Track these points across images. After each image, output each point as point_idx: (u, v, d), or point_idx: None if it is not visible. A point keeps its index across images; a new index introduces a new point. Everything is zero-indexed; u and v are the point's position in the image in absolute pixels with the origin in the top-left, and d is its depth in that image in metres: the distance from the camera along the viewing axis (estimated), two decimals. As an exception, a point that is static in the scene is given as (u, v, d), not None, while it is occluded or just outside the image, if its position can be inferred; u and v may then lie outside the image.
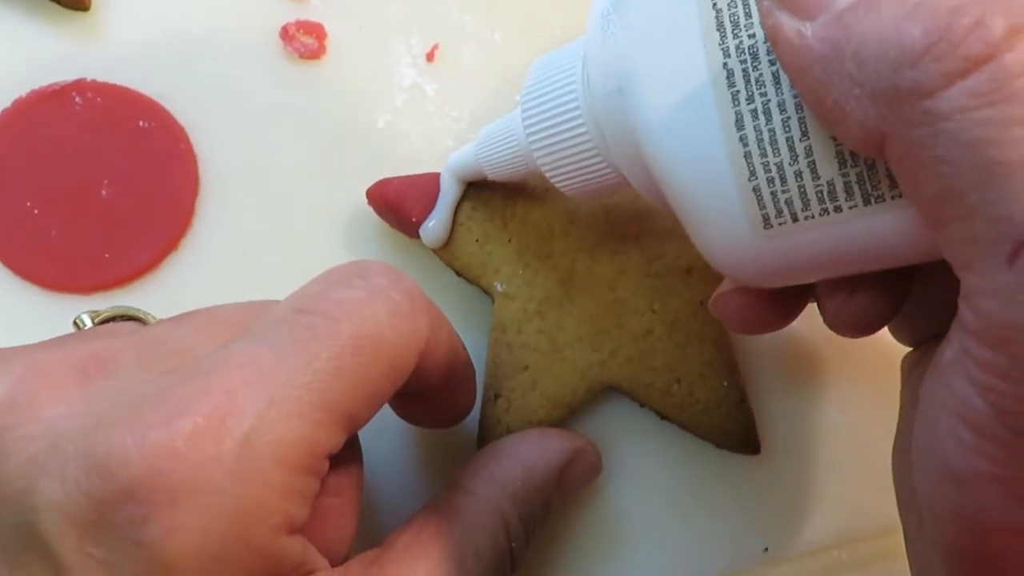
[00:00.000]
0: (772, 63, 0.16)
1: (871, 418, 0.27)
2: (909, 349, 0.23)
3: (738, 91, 0.16)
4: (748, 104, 0.16)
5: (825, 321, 0.20)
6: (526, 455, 0.23)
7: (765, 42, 0.16)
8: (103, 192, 0.26)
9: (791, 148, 0.16)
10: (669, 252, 0.25)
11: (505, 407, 0.25)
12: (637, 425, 0.26)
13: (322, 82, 0.28)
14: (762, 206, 0.17)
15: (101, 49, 0.27)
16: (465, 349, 0.23)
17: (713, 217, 0.17)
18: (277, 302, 0.22)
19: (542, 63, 0.21)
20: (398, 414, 0.23)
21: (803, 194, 0.16)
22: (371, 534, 0.22)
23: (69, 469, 0.16)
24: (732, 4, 0.16)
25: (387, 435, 0.25)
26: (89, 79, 0.27)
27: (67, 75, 0.27)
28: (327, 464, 0.18)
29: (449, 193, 0.25)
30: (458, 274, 0.26)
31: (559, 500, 0.24)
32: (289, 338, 0.18)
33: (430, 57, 0.28)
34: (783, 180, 0.16)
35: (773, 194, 0.16)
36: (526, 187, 0.26)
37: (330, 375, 0.18)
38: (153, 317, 0.22)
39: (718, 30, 0.16)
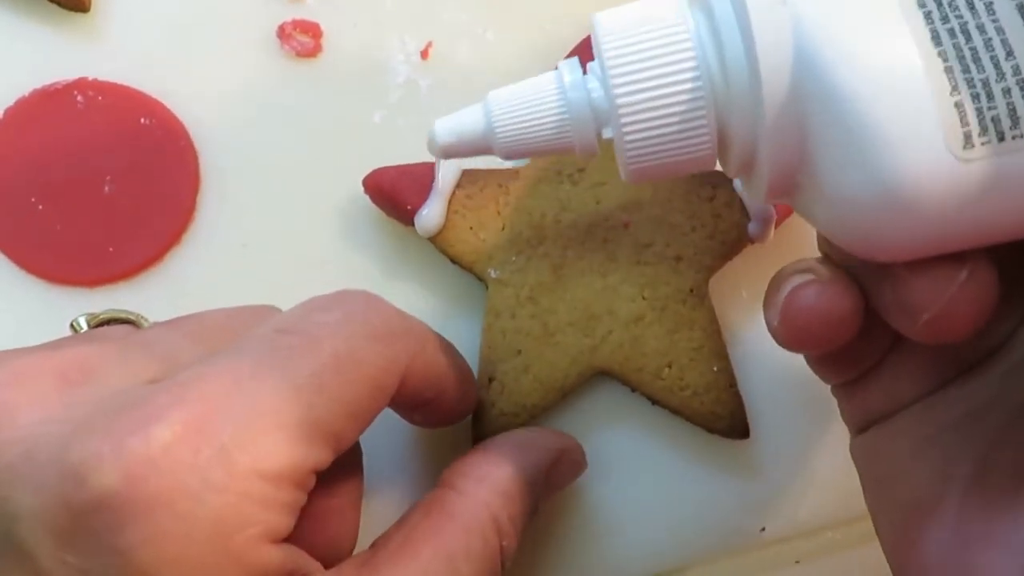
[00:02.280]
0: None
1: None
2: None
3: (930, 12, 0.16)
4: (944, 23, 0.16)
5: (923, 321, 0.17)
6: (515, 455, 0.23)
7: None
8: (106, 188, 0.27)
9: (996, 66, 0.15)
10: (659, 240, 0.26)
11: (499, 390, 0.25)
12: (628, 410, 0.27)
13: (319, 79, 0.28)
14: (964, 123, 0.15)
15: (101, 49, 0.28)
16: (460, 358, 0.23)
17: (901, 138, 0.16)
18: (267, 308, 0.22)
19: (624, 13, 0.18)
20: (399, 414, 0.24)
21: (1012, 112, 0.15)
22: (372, 533, 0.22)
23: (45, 476, 0.16)
24: None
25: (386, 432, 0.26)
26: (90, 78, 0.27)
27: (68, 74, 0.27)
28: (313, 478, 0.18)
29: (444, 181, 0.26)
30: (452, 261, 0.26)
31: (546, 497, 0.24)
32: (270, 355, 0.18)
33: (424, 54, 0.29)
34: (989, 96, 0.15)
35: (979, 110, 0.15)
36: (519, 175, 0.26)
37: (311, 391, 0.18)
38: (147, 320, 0.22)
39: None
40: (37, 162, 0.27)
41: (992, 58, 0.15)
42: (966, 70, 0.15)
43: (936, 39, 0.16)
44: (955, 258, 0.17)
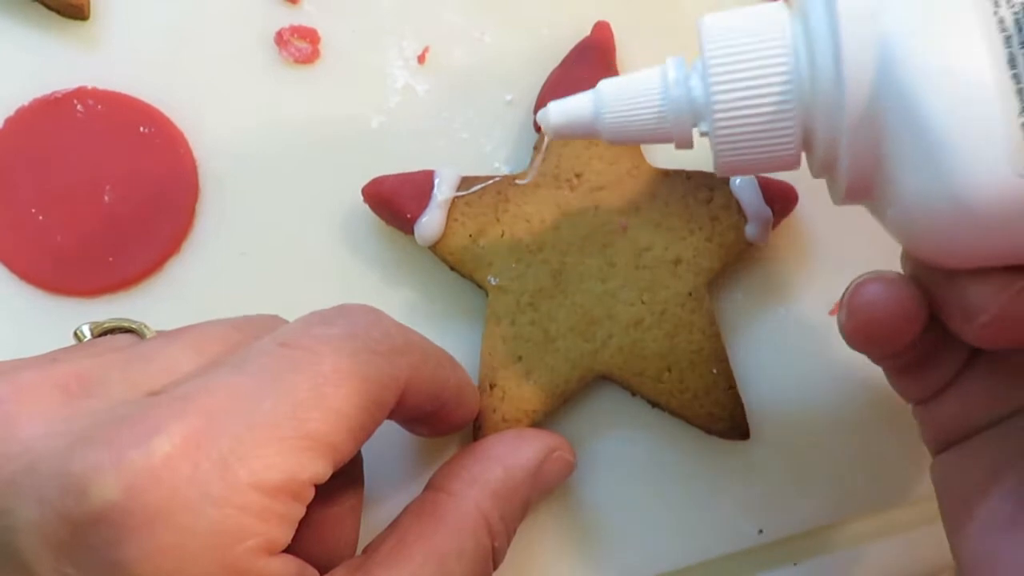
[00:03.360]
0: None
1: (860, 401, 0.28)
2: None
3: (1010, 36, 0.16)
4: (1021, 48, 0.16)
5: (980, 323, 0.18)
6: (504, 455, 0.23)
7: None
8: (105, 197, 0.27)
9: None
10: (657, 244, 0.26)
11: (500, 397, 0.26)
12: (629, 413, 0.27)
13: (317, 85, 0.28)
14: None
15: (100, 57, 0.28)
16: (460, 370, 0.23)
17: (967, 155, 0.17)
18: (271, 317, 0.22)
19: (728, 18, 0.20)
20: (401, 427, 0.24)
21: None
22: (371, 536, 0.22)
23: (45, 490, 0.16)
24: None
25: (386, 440, 0.26)
26: (89, 87, 0.27)
27: (68, 83, 0.27)
28: (312, 491, 0.19)
29: (443, 189, 0.26)
30: (452, 268, 0.27)
31: (537, 498, 0.24)
32: (271, 369, 0.18)
33: (422, 59, 0.29)
34: None
35: None
36: (516, 183, 0.26)
37: (310, 405, 0.18)
38: (150, 329, 0.22)
39: None
40: (36, 171, 0.27)
41: None
42: None
43: (1012, 62, 0.16)
44: (1016, 269, 0.18)
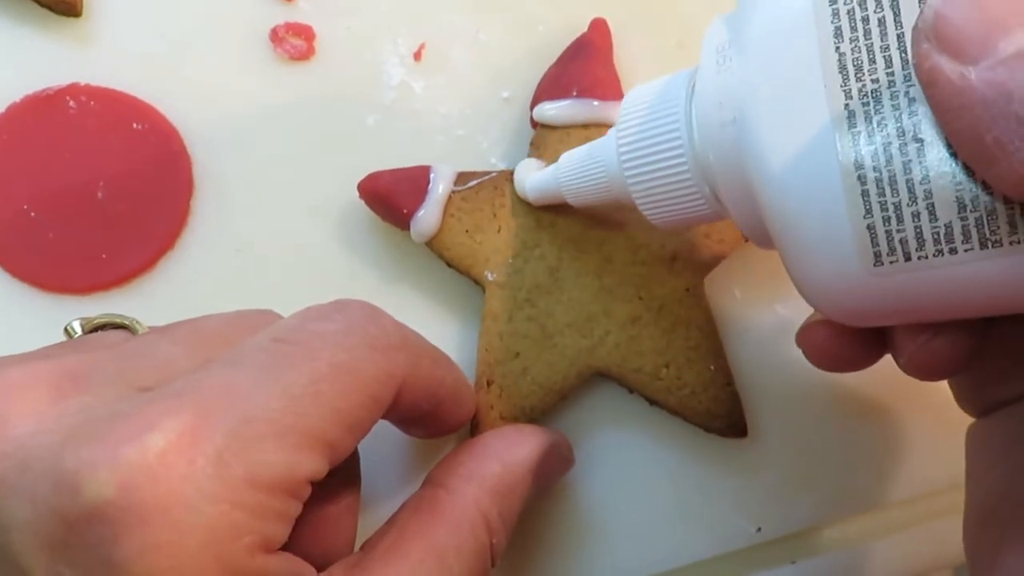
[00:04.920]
0: (895, 108, 0.16)
1: (858, 398, 0.28)
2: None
3: (859, 132, 0.17)
4: (869, 146, 0.16)
5: (900, 363, 0.20)
6: (502, 451, 0.23)
7: (889, 87, 0.16)
8: (99, 194, 0.27)
9: (910, 190, 0.16)
10: (654, 241, 0.26)
11: (497, 393, 0.25)
12: (626, 410, 0.27)
13: (312, 82, 0.28)
14: (875, 243, 0.17)
15: (93, 54, 0.28)
16: (456, 370, 0.23)
17: (821, 251, 0.17)
18: (265, 312, 0.22)
19: (640, 94, 0.22)
20: (397, 427, 0.24)
21: (919, 234, 0.16)
22: (369, 534, 0.22)
23: (38, 488, 0.16)
24: (856, 49, 0.17)
25: (383, 439, 0.26)
26: (82, 83, 0.27)
27: (60, 80, 0.27)
28: (308, 488, 0.18)
29: (439, 184, 0.26)
30: (449, 264, 0.26)
31: (534, 494, 0.24)
32: (266, 365, 0.18)
33: (417, 56, 0.28)
34: (899, 219, 0.16)
35: (888, 232, 0.17)
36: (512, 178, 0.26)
37: (307, 401, 0.18)
38: (142, 325, 0.22)
39: (840, 72, 0.17)
40: (29, 168, 0.27)
41: (907, 182, 0.16)
42: (881, 194, 0.17)
43: (859, 163, 0.17)
44: (923, 326, 0.19)
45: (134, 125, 0.27)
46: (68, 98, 0.27)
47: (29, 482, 0.16)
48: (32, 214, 0.26)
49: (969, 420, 0.23)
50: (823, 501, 0.28)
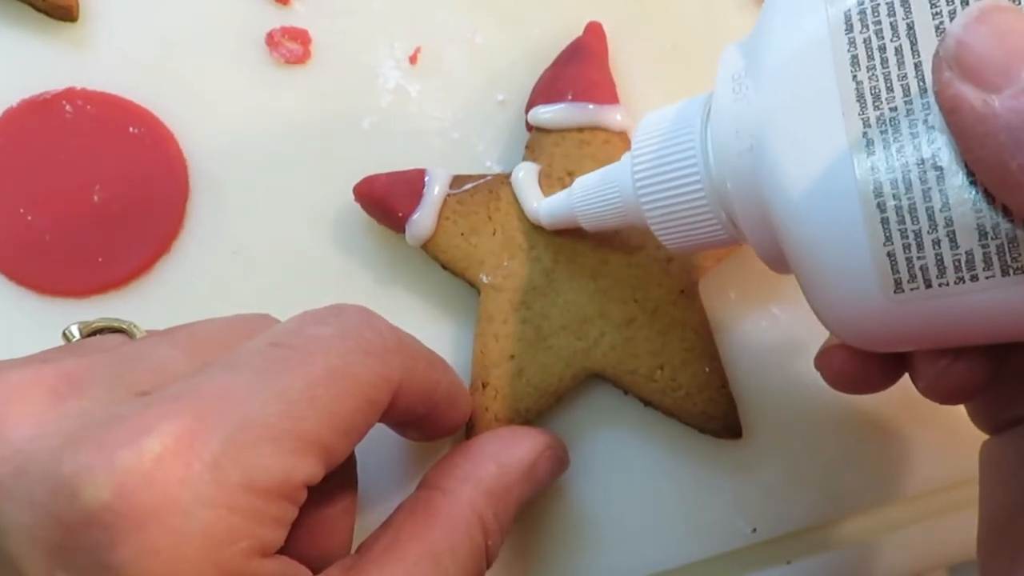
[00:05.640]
0: (914, 135, 0.16)
1: (853, 399, 0.28)
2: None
3: (878, 160, 0.17)
4: (888, 174, 0.16)
5: (919, 387, 0.20)
6: (498, 452, 0.23)
7: (907, 115, 0.16)
8: (95, 197, 0.27)
9: (930, 217, 0.16)
10: (649, 243, 0.26)
11: (493, 395, 0.26)
12: (622, 412, 0.27)
13: (308, 86, 0.28)
14: (895, 271, 0.17)
15: (89, 58, 0.28)
16: (452, 373, 0.23)
17: (841, 279, 0.17)
18: (262, 317, 0.22)
19: (655, 119, 0.22)
20: (393, 431, 0.24)
21: (939, 262, 0.16)
22: (365, 537, 0.22)
23: (36, 492, 0.16)
24: (873, 77, 0.17)
25: (380, 442, 0.26)
26: (79, 87, 0.27)
27: (57, 84, 0.27)
28: (305, 492, 0.18)
29: (434, 187, 0.26)
30: (444, 267, 0.26)
31: (530, 496, 0.24)
32: (263, 369, 0.18)
33: (413, 59, 0.29)
34: (920, 247, 0.16)
35: (908, 260, 0.17)
36: (508, 182, 0.26)
37: (303, 405, 0.18)
38: (140, 329, 0.22)
39: (858, 101, 0.17)
40: (26, 172, 0.27)
41: (928, 209, 0.16)
42: (901, 221, 0.17)
43: (878, 191, 0.17)
44: (943, 351, 0.19)
45: (130, 129, 0.27)
46: (64, 102, 0.27)
47: (27, 486, 0.16)
48: (29, 218, 0.27)
49: (977, 432, 0.23)
50: (818, 501, 0.28)
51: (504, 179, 0.27)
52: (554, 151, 0.27)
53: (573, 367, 0.26)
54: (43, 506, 0.16)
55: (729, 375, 0.26)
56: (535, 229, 0.26)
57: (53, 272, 0.26)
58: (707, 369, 0.26)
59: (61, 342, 0.22)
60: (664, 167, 0.21)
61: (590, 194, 0.24)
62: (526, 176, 0.26)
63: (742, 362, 0.28)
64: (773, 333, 0.28)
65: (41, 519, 0.16)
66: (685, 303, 0.26)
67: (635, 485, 0.27)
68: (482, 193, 0.26)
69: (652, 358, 0.26)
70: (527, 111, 0.27)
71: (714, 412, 0.26)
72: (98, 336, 0.22)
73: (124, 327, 0.22)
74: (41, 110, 0.27)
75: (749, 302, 0.28)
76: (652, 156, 0.21)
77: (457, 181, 0.26)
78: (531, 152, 0.27)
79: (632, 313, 0.26)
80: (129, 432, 0.17)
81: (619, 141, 0.27)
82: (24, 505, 0.16)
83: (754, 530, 0.27)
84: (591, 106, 0.26)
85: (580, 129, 0.26)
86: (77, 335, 0.22)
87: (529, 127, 0.27)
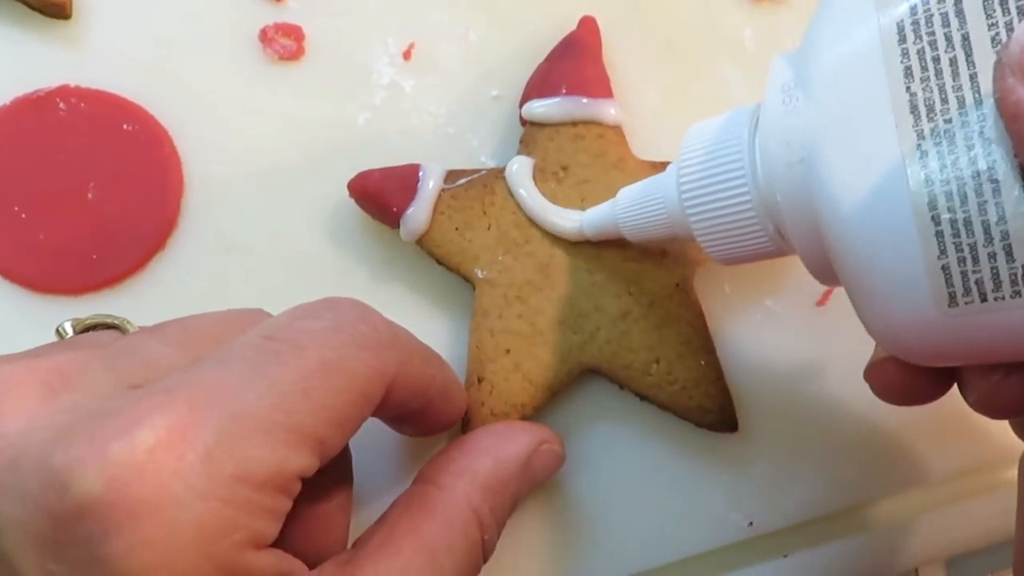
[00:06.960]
0: (969, 148, 0.16)
1: (849, 392, 0.28)
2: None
3: (932, 172, 0.16)
4: (943, 186, 0.16)
5: (969, 401, 0.20)
6: (494, 447, 0.23)
7: (962, 127, 0.16)
8: (89, 195, 0.27)
9: (986, 231, 0.16)
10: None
11: (488, 390, 0.26)
12: (618, 406, 0.27)
13: (302, 82, 0.28)
14: (950, 284, 0.17)
15: (83, 55, 0.28)
16: (447, 368, 0.23)
17: (893, 292, 0.17)
18: (255, 311, 0.22)
19: (701, 130, 0.22)
20: (387, 426, 0.24)
21: (995, 275, 0.16)
22: (361, 532, 0.22)
23: (28, 485, 0.16)
24: (927, 88, 0.16)
25: (375, 436, 0.26)
26: (72, 85, 0.27)
27: (50, 82, 0.27)
28: (298, 484, 0.18)
29: (429, 183, 0.26)
30: (439, 262, 0.26)
31: (526, 490, 0.24)
32: (256, 362, 0.18)
33: (407, 56, 0.29)
34: (975, 260, 0.16)
35: (963, 273, 0.16)
36: (504, 175, 0.26)
37: (296, 398, 0.18)
38: (133, 325, 0.22)
39: (912, 112, 0.17)
40: (20, 170, 0.27)
41: (983, 223, 0.16)
42: (956, 235, 0.16)
43: (932, 204, 0.16)
44: (994, 365, 0.19)
45: (124, 126, 0.27)
46: (58, 100, 0.27)
47: (19, 480, 0.17)
48: (23, 215, 0.26)
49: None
50: (814, 495, 0.28)
51: (498, 174, 0.27)
52: (548, 145, 0.27)
53: (569, 362, 0.26)
54: (35, 499, 0.16)
55: (725, 369, 0.26)
56: (530, 224, 0.26)
57: (47, 270, 0.26)
58: (703, 363, 0.26)
59: (55, 339, 0.22)
60: (711, 178, 0.21)
61: (635, 205, 0.24)
62: (520, 171, 0.26)
63: (738, 355, 0.28)
64: (768, 326, 0.28)
65: (33, 513, 0.16)
66: (680, 297, 0.26)
67: (631, 480, 0.27)
68: (476, 188, 0.26)
69: (648, 352, 0.26)
70: (521, 106, 0.27)
71: (710, 406, 0.26)
72: (91, 332, 0.22)
73: (117, 323, 0.22)
74: (35, 108, 0.27)
75: (744, 295, 0.28)
76: (699, 167, 0.21)
77: (451, 176, 0.26)
78: (525, 147, 0.27)
79: (627, 307, 0.26)
80: (121, 424, 0.17)
81: (613, 135, 0.27)
82: (17, 499, 0.16)
83: (750, 524, 0.27)
84: (585, 100, 0.26)
85: (574, 123, 0.26)
86: (70, 332, 0.22)
87: (523, 122, 0.27)
